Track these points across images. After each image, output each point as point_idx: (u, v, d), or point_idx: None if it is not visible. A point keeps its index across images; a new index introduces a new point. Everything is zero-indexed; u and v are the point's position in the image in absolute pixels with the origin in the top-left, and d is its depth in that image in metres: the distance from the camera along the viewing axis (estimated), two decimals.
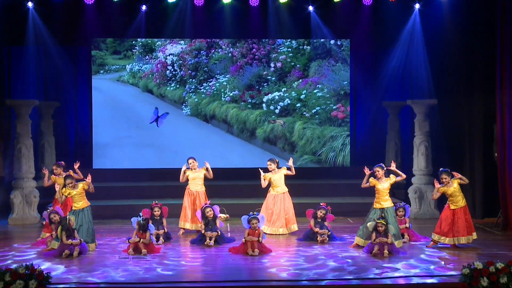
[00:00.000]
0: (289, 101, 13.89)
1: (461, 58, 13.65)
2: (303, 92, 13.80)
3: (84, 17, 14.70)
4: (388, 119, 15.64)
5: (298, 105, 13.76)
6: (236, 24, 15.09)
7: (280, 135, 13.79)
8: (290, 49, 14.04)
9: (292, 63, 14.06)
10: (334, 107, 13.91)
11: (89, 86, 15.54)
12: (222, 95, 14.23)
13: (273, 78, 14.02)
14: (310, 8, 14.84)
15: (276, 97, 13.84)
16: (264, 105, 13.93)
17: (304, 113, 13.79)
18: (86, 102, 15.64)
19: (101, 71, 15.44)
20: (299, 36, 15.36)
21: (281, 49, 14.16)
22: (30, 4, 14.03)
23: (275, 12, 14.86)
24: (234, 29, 15.16)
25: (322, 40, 14.65)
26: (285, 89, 13.89)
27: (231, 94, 14.08)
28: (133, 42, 15.36)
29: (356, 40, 15.61)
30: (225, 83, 14.22)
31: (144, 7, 14.66)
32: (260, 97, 13.87)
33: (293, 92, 13.86)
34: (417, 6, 14.41)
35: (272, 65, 14.11)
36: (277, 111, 13.98)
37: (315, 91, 13.82)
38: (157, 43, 15.29)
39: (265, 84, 14.03)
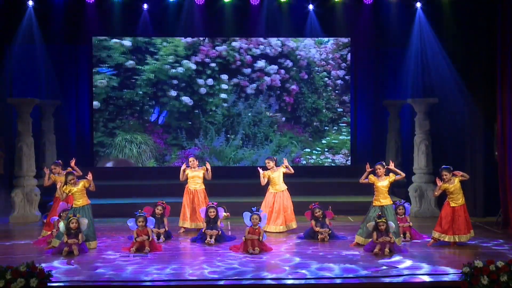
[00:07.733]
0: None
1: (462, 57, 13.65)
2: None
3: (85, 15, 14.72)
4: (389, 118, 15.65)
5: None
6: (236, 23, 15.13)
7: None
8: None
9: None
10: None
11: (90, 84, 15.56)
12: None
13: None
14: (310, 7, 14.86)
15: None
16: None
17: None
18: (87, 101, 15.66)
19: (100, 69, 15.44)
20: (299, 35, 15.41)
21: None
22: (30, 2, 14.03)
23: (275, 11, 14.90)
24: (234, 28, 15.22)
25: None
26: None
27: None
28: (130, 40, 15.40)
29: (356, 39, 15.65)
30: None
31: (145, 6, 14.68)
32: None
33: None
34: (418, 5, 14.42)
35: None
36: None
37: None
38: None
39: None
